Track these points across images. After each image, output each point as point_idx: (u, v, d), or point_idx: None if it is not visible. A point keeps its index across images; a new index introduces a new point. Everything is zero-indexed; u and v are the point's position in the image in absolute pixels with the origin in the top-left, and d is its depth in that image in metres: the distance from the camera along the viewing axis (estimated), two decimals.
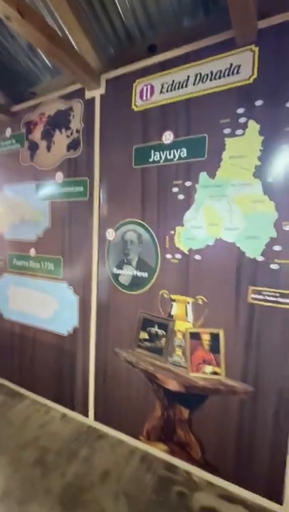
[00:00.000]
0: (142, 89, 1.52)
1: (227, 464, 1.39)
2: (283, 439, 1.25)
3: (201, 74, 1.36)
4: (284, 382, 1.25)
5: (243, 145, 1.28)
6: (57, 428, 1.79)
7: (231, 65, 1.28)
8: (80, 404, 1.87)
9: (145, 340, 1.60)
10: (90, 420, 1.83)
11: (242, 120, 1.28)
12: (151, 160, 1.52)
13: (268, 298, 1.26)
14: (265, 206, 1.26)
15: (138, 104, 1.54)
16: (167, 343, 1.53)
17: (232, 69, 1.28)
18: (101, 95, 1.67)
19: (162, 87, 1.46)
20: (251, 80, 1.25)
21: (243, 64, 1.26)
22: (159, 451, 1.58)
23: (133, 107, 1.56)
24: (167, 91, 1.45)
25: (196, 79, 1.37)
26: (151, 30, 1.54)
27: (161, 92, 1.47)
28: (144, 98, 1.52)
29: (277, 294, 1.24)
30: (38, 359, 2.07)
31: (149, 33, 1.56)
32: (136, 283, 1.61)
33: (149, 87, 1.50)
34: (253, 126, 1.26)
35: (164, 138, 1.48)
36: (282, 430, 1.26)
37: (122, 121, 1.60)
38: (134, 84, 1.55)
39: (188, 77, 1.39)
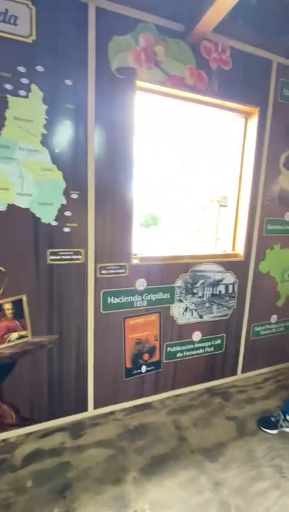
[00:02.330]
0: None
1: (42, 408, 1.56)
2: (84, 366, 1.61)
3: None
4: (80, 322, 1.57)
5: (28, 109, 1.27)
6: None
7: (7, 11, 1.17)
8: None
9: None
10: None
11: (24, 81, 1.25)
12: None
13: (64, 257, 1.47)
14: (54, 175, 1.38)
15: None
16: None
17: (8, 17, 1.17)
18: None
19: None
20: (30, 40, 1.23)
21: (20, 17, 1.19)
22: None
23: None
24: None
25: None
26: None
27: None
28: None
29: (71, 253, 1.47)
30: None
31: None
32: None
33: None
34: (37, 92, 1.28)
35: None
36: (82, 360, 1.60)
37: None
38: None
39: None
